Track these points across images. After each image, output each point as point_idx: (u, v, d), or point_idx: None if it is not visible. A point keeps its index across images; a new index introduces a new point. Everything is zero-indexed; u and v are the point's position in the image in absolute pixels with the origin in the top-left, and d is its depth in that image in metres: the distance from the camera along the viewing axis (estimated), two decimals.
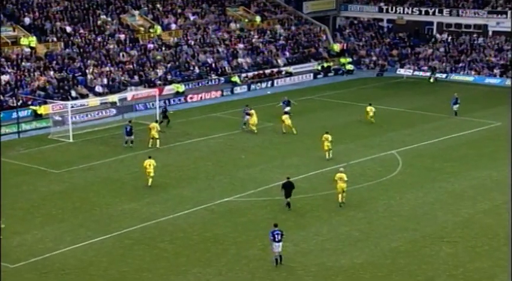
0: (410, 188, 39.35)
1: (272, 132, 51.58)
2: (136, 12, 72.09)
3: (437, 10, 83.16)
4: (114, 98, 59.27)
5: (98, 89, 61.39)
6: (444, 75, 74.65)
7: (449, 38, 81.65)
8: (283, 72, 73.22)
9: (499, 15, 79.47)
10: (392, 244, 32.01)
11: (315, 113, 58.12)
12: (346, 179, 36.50)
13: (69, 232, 33.34)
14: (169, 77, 66.20)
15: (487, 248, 31.51)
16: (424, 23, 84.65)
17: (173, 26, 72.75)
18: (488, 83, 72.21)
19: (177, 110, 56.34)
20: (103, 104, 58.69)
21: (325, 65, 77.17)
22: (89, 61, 63.43)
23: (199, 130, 52.36)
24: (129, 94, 60.46)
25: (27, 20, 64.86)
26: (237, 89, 67.87)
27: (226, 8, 79.58)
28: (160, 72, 66.09)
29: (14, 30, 63.19)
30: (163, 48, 69.24)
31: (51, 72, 60.56)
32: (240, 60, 72.19)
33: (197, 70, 68.56)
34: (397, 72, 77.05)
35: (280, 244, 29.47)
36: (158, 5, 74.95)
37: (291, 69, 73.93)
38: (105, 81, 62.28)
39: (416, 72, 76.16)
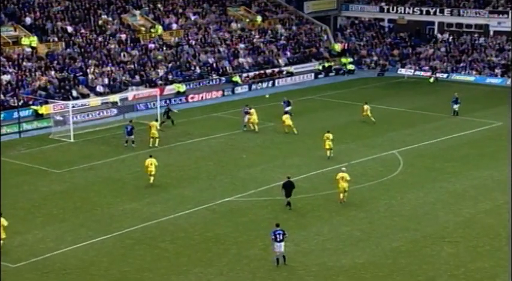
0: (412, 188, 39.33)
1: (273, 132, 51.57)
2: (138, 12, 72.09)
3: (438, 10, 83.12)
4: (115, 98, 59.27)
5: (99, 89, 61.39)
6: (445, 75, 74.63)
7: (451, 37, 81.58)
8: (284, 72, 73.21)
9: (500, 15, 79.41)
10: (394, 243, 32.00)
11: (316, 113, 58.11)
12: (348, 178, 36.57)
13: (70, 232, 33.36)
14: (170, 77, 66.20)
15: (488, 248, 31.49)
16: (425, 22, 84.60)
17: (174, 26, 72.74)
18: (490, 83, 72.16)
19: (179, 110, 56.23)
20: (104, 104, 58.71)
21: (326, 65, 77.14)
22: (90, 61, 63.44)
23: (201, 130, 52.35)
24: (130, 94, 60.46)
25: (28, 20, 64.87)
26: (238, 89, 67.88)
27: (227, 7, 79.56)
28: (161, 72, 66.08)
29: (15, 30, 63.18)
30: (164, 48, 69.23)
31: (52, 72, 60.56)
32: (241, 60, 72.19)
33: (198, 70, 68.56)
34: (398, 72, 77.01)
35: (282, 244, 29.45)
36: (159, 5, 74.93)
37: (292, 69, 73.91)
38: (106, 81, 62.29)
39: (417, 72, 76.10)
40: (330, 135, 44.66)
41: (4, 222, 31.38)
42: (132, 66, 65.40)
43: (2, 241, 31.04)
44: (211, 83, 67.67)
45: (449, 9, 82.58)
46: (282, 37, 78.40)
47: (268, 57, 74.46)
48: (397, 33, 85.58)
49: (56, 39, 64.56)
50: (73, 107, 53.24)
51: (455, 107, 56.26)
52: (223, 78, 68.87)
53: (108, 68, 63.59)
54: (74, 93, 59.39)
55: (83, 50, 64.43)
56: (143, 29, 70.59)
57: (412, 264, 29.86)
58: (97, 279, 28.86)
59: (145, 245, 31.90)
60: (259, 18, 79.19)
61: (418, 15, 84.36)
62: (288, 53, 76.33)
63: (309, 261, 30.15)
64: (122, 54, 66.08)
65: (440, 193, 38.69)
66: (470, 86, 70.10)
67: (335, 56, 79.63)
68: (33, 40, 62.55)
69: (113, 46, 66.33)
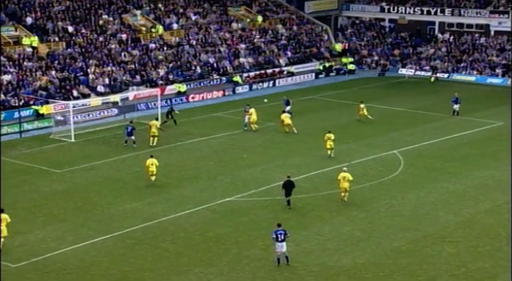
0: (412, 188, 39.33)
1: (274, 132, 51.56)
2: (138, 12, 72.08)
3: (439, 10, 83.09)
4: (116, 97, 59.29)
5: (100, 88, 61.40)
6: (446, 75, 74.62)
7: (451, 37, 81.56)
8: (285, 72, 73.21)
9: (501, 15, 79.37)
10: (394, 243, 32.00)
11: (317, 113, 58.11)
12: (351, 178, 36.64)
13: (70, 232, 33.37)
14: (171, 76, 66.20)
15: (488, 248, 31.48)
16: (426, 22, 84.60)
17: (175, 26, 72.76)
18: (490, 82, 72.15)
19: (179, 110, 56.23)
20: (105, 104, 58.73)
21: (327, 64, 77.14)
22: (90, 61, 63.46)
23: (201, 130, 52.36)
24: (131, 94, 60.47)
25: (29, 20, 64.89)
26: (239, 89, 67.88)
27: (228, 7, 79.57)
28: (162, 72, 66.10)
29: (16, 30, 63.21)
30: (165, 48, 69.25)
31: (53, 72, 60.58)
32: (241, 60, 72.18)
33: (199, 70, 68.56)
34: (399, 72, 77.00)
35: (284, 244, 29.44)
36: (160, 5, 74.94)
37: (292, 69, 73.91)
38: (106, 81, 62.30)
39: (418, 72, 76.11)
40: (332, 136, 44.68)
41: (7, 218, 31.54)
42: (133, 66, 65.41)
43: (2, 239, 31.10)
44: (212, 83, 67.68)
45: (450, 9, 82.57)
46: (283, 37, 78.39)
47: (269, 57, 74.46)
48: (398, 33, 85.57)
49: (56, 39, 64.59)
50: (74, 107, 53.23)
51: (456, 107, 56.24)
52: (224, 78, 68.88)
53: (109, 68, 63.61)
54: (75, 93, 59.40)
55: (83, 50, 64.45)
56: (144, 29, 70.60)
57: (412, 264, 29.86)
58: (98, 279, 28.87)
59: (146, 245, 31.91)
60: (259, 18, 79.19)
61: (418, 15, 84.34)
62: (289, 53, 76.32)
63: (310, 261, 30.15)
64: (122, 54, 66.10)
65: (440, 193, 38.68)
66: (471, 86, 70.09)
67: (336, 56, 79.63)
68: (34, 40, 62.57)
69: (113, 46, 66.35)
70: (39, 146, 48.76)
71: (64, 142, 49.50)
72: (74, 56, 63.32)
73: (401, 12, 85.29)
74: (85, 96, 59.55)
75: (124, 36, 68.19)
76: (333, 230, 33.48)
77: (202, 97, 64.55)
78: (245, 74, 70.36)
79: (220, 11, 78.65)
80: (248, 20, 78.83)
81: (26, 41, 62.28)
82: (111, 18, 70.00)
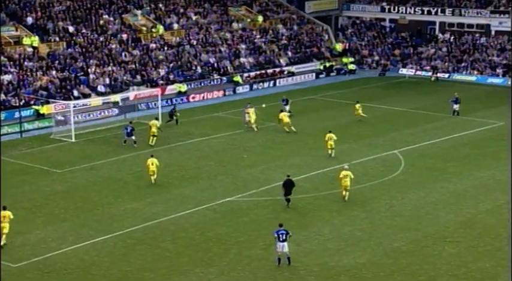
0: (413, 188, 39.32)
1: (274, 131, 51.55)
2: (139, 12, 72.10)
3: (439, 10, 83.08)
4: (117, 97, 59.31)
5: (100, 88, 61.41)
6: (447, 75, 74.60)
7: (452, 37, 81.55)
8: (286, 72, 73.20)
9: (502, 15, 79.35)
10: (395, 243, 31.99)
11: (317, 112, 58.11)
12: (352, 176, 36.76)
13: (71, 232, 33.38)
14: (171, 76, 66.21)
15: (489, 248, 31.47)
16: (426, 22, 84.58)
17: (175, 26, 72.76)
18: (491, 82, 72.13)
19: (179, 110, 56.24)
20: (105, 104, 58.74)
21: (327, 64, 77.13)
22: (91, 61, 63.48)
23: (202, 130, 52.37)
24: (132, 94, 60.50)
25: (29, 20, 64.90)
26: (239, 89, 67.88)
27: (229, 7, 79.58)
28: (162, 72, 66.10)
29: (16, 30, 63.23)
30: (166, 48, 69.25)
31: (54, 72, 60.59)
32: (242, 60, 72.19)
33: (199, 70, 68.57)
34: (399, 72, 76.98)
35: (286, 244, 29.43)
36: (160, 5, 74.97)
37: (293, 69, 73.90)
38: (107, 81, 62.31)
39: (418, 72, 76.10)
40: (333, 136, 44.68)
41: (10, 214, 31.67)
42: (133, 66, 65.42)
43: (4, 236, 31.12)
44: (212, 83, 67.68)
45: (450, 9, 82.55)
46: (283, 37, 78.38)
47: (270, 57, 74.46)
48: (399, 33, 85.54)
49: (57, 39, 64.60)
50: (74, 107, 53.23)
51: (456, 107, 56.23)
52: (224, 78, 68.88)
53: (110, 68, 63.62)
54: (75, 93, 59.41)
55: (84, 50, 64.46)
56: (144, 28, 70.62)
57: (413, 264, 29.85)
58: (98, 279, 28.87)
59: (146, 245, 31.91)
60: (260, 18, 79.19)
61: (419, 15, 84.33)
62: (289, 53, 76.31)
63: (310, 261, 30.14)
64: (123, 54, 66.11)
65: (441, 193, 38.67)
66: (472, 86, 70.07)
67: (336, 56, 79.62)
68: (35, 40, 62.59)
69: (114, 46, 66.36)
70: (39, 146, 48.77)
71: (64, 142, 49.52)
72: (74, 56, 63.33)
73: (402, 12, 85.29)
74: (85, 96, 59.56)
75: (124, 36, 68.20)
76: (334, 230, 33.48)
77: (203, 97, 64.55)
78: (246, 74, 70.35)
79: (221, 11, 78.66)
80: (248, 20, 78.83)
81: (26, 41, 62.30)
82: (111, 18, 70.01)
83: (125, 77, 63.50)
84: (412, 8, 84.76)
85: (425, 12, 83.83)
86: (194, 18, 75.24)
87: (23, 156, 46.31)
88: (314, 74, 74.91)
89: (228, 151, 47.29)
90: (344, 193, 36.88)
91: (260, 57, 73.76)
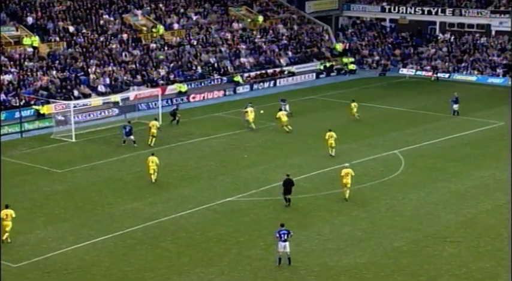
0: (413, 188, 39.31)
1: (274, 132, 51.55)
2: (139, 12, 72.12)
3: (440, 10, 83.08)
4: (117, 97, 59.32)
5: (101, 88, 61.42)
6: (447, 75, 74.60)
7: (452, 37, 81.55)
8: (286, 72, 73.19)
9: (502, 15, 79.34)
10: (395, 243, 31.98)
11: (318, 112, 58.10)
12: (353, 174, 36.87)
13: (71, 232, 33.37)
14: (171, 76, 66.22)
15: (489, 248, 31.47)
16: (426, 22, 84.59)
17: (176, 26, 72.76)
18: (491, 82, 72.11)
19: (180, 110, 56.24)
20: (105, 104, 58.75)
21: (328, 64, 77.12)
22: (91, 61, 63.49)
23: (202, 130, 52.37)
24: (132, 94, 60.51)
25: (30, 20, 64.93)
26: (240, 89, 67.88)
27: (229, 7, 79.59)
28: (162, 72, 66.11)
29: (16, 30, 63.26)
30: (166, 48, 69.26)
31: (54, 72, 60.61)
32: (242, 60, 72.19)
33: (200, 70, 68.57)
34: (400, 72, 76.96)
35: (287, 243, 29.43)
36: (161, 5, 74.99)
37: (293, 69, 73.91)
38: (107, 81, 62.32)
39: (418, 72, 76.08)
40: (333, 134, 44.71)
41: (12, 213, 31.74)
42: (134, 66, 65.43)
43: (5, 235, 31.12)
44: (212, 83, 67.70)
45: (451, 9, 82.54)
46: (284, 37, 78.39)
47: (270, 57, 74.46)
48: (399, 33, 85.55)
49: (57, 39, 64.62)
50: (74, 107, 53.21)
51: (455, 106, 56.23)
52: (224, 78, 68.89)
53: (110, 68, 63.63)
54: (76, 93, 59.43)
55: (84, 50, 64.48)
56: (145, 29, 70.64)
57: (413, 264, 29.85)
58: (98, 279, 28.87)
59: (147, 245, 31.90)
60: (260, 18, 79.20)
61: (419, 15, 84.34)
62: (290, 53, 76.31)
63: (311, 261, 30.14)
64: (123, 54, 66.12)
65: (441, 193, 38.66)
66: (472, 86, 70.06)
67: (337, 56, 79.60)
68: (35, 40, 62.62)
69: (114, 46, 66.37)
70: (40, 146, 48.77)
71: (65, 142, 49.52)
72: (74, 56, 63.35)
73: (402, 12, 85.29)
74: (86, 96, 59.57)
75: (125, 36, 68.21)
76: (334, 230, 33.47)
77: (203, 97, 64.54)
78: (246, 74, 70.36)
79: (221, 11, 78.67)
80: (249, 20, 78.84)
81: (26, 41, 62.32)
82: (112, 18, 70.02)
83: (125, 77, 63.51)
84: (413, 8, 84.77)
85: (426, 12, 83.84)
86: (194, 18, 75.23)
87: (23, 156, 46.31)
88: (314, 74, 74.90)
89: (229, 150, 47.29)
90: (345, 191, 36.84)
91: (260, 58, 73.75)
